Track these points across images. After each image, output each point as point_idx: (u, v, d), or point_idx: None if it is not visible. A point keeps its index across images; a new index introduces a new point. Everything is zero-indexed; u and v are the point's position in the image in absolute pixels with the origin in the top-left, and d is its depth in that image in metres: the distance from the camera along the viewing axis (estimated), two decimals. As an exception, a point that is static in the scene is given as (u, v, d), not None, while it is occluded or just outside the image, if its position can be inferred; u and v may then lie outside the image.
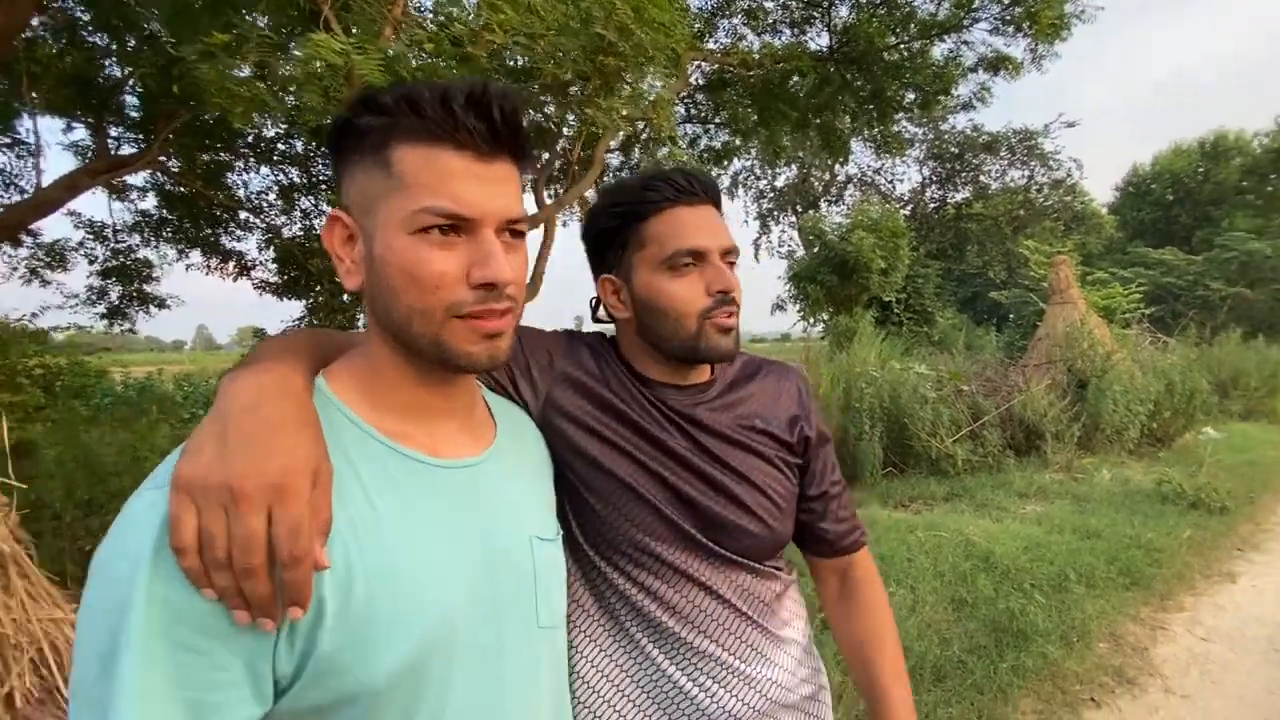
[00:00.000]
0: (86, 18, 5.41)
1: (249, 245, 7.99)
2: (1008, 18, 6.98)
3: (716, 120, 8.97)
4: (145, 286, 7.85)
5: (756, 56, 7.28)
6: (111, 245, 7.47)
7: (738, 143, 9.11)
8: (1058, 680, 2.70)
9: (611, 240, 0.92)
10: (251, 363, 0.63)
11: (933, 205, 19.97)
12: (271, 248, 7.67)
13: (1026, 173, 18.49)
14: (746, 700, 0.87)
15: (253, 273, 7.92)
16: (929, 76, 7.75)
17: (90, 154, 6.55)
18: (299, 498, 0.52)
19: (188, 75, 3.17)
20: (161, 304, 8.02)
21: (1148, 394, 6.87)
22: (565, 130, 6.32)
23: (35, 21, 4.95)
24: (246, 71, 3.17)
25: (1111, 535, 4.16)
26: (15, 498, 2.06)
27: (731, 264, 0.91)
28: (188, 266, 7.95)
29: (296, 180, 7.49)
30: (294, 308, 7.98)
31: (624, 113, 4.06)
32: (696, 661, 0.87)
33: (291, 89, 3.26)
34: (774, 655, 0.91)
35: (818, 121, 8.23)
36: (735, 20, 8.24)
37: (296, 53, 3.08)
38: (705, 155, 9.04)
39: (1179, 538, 4.16)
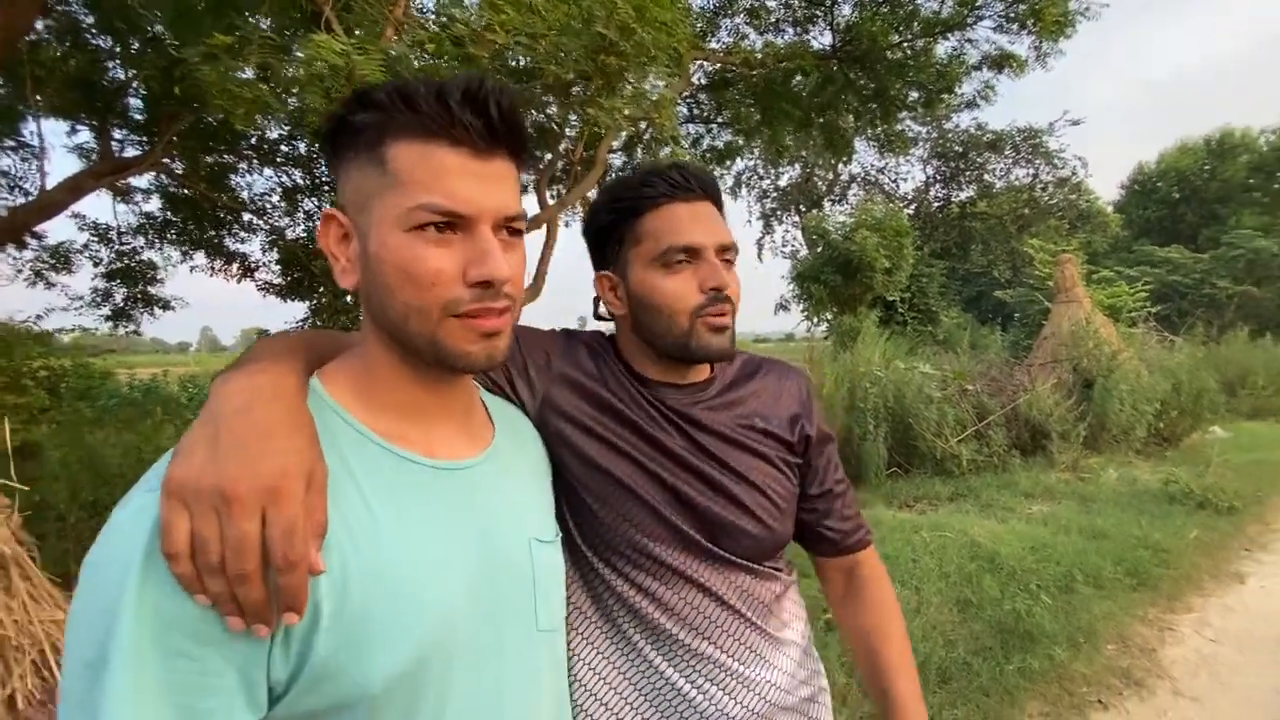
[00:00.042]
0: (90, 20, 5.45)
1: (253, 247, 8.04)
2: (1012, 15, 6.95)
3: (719, 120, 8.97)
4: (150, 288, 7.89)
5: (759, 55, 7.27)
6: (116, 247, 7.50)
7: (740, 142, 9.10)
8: (1064, 682, 2.67)
9: (609, 236, 0.91)
10: (244, 364, 0.61)
11: (937, 204, 19.89)
12: (275, 249, 7.69)
13: (1031, 171, 18.38)
14: (744, 702, 0.86)
15: (256, 274, 7.95)
16: (933, 75, 7.71)
17: (94, 156, 6.59)
18: (293, 500, 0.51)
19: (190, 77, 3.18)
20: (166, 306, 8.06)
21: (1154, 393, 6.83)
22: (567, 130, 6.33)
23: (39, 24, 4.98)
24: (249, 73, 3.18)
25: (1118, 536, 4.13)
26: (18, 499, 2.07)
27: (729, 262, 0.89)
28: (192, 268, 8.00)
29: (300, 182, 7.51)
30: (298, 309, 8.01)
31: (626, 113, 4.05)
32: (694, 663, 0.85)
33: (294, 90, 3.27)
34: (772, 657, 0.90)
35: (821, 121, 8.23)
36: (737, 19, 8.23)
37: (298, 54, 3.09)
38: (708, 155, 9.04)
39: (1186, 538, 4.14)
